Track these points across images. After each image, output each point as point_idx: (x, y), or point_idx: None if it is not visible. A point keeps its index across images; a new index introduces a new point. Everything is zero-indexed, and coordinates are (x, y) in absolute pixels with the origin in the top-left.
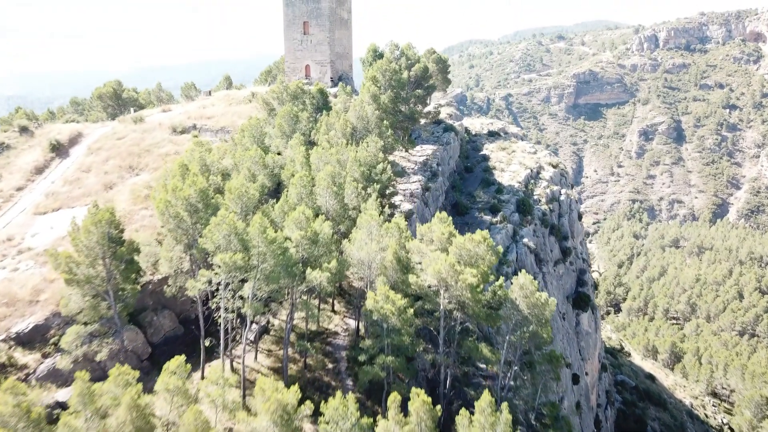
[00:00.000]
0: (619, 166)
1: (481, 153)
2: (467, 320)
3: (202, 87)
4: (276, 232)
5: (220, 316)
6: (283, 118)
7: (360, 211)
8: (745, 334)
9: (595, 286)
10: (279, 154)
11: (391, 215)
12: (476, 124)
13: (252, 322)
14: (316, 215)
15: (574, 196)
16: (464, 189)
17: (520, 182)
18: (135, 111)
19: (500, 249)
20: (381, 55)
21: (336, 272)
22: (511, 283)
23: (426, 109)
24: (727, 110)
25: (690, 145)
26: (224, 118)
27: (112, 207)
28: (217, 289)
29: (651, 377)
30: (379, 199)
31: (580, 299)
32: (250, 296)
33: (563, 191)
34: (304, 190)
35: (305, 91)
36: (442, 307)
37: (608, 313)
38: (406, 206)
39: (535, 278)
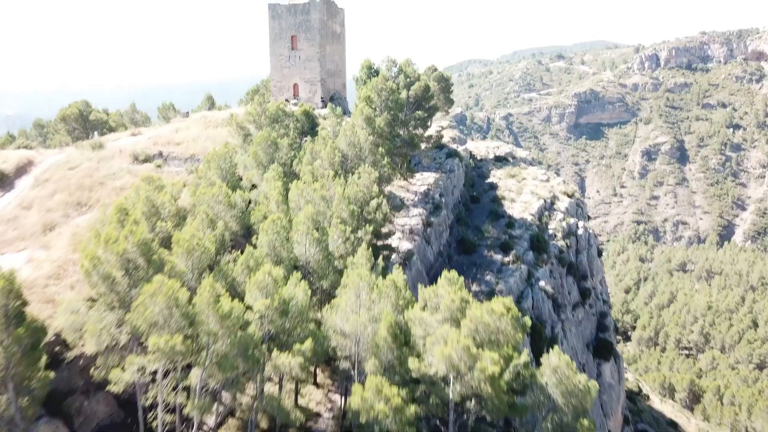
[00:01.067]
0: (622, 187)
1: (488, 181)
2: (484, 411)
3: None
4: (234, 300)
5: (154, 417)
6: (259, 145)
7: (349, 259)
8: (765, 368)
9: (616, 329)
10: (254, 187)
11: (385, 269)
12: (481, 147)
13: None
14: (294, 267)
15: (593, 229)
16: (471, 222)
17: (532, 214)
18: (103, 134)
19: (526, 322)
20: (376, 73)
21: (312, 354)
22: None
23: (427, 133)
24: (731, 130)
25: (693, 165)
26: (196, 143)
27: (10, 272)
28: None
29: (673, 424)
30: (373, 241)
31: (602, 347)
32: (198, 388)
33: (580, 224)
34: (277, 238)
35: (288, 114)
36: (452, 397)
37: (618, 342)
38: (405, 245)
39: (553, 328)
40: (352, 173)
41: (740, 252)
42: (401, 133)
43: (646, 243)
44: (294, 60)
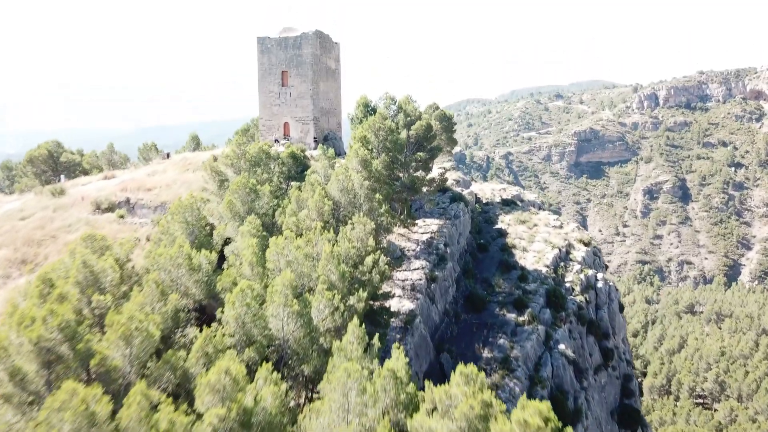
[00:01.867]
0: (625, 226)
1: (497, 227)
2: None
3: (179, 148)
4: (179, 410)
5: None
6: (235, 192)
7: (336, 343)
8: None
9: (641, 392)
10: (228, 242)
11: (386, 355)
12: (486, 190)
13: None
14: (269, 348)
15: (613, 281)
16: (479, 274)
17: (547, 266)
18: (75, 177)
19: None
20: (373, 111)
21: None
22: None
23: (429, 176)
24: (733, 168)
25: (696, 204)
26: (170, 189)
27: None
28: None
29: None
30: (368, 305)
31: (628, 416)
32: None
33: (599, 275)
34: (247, 312)
35: (272, 156)
36: None
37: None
38: (407, 305)
39: (576, 398)
40: (345, 223)
41: (749, 293)
42: (401, 176)
43: (651, 284)
44: (284, 97)
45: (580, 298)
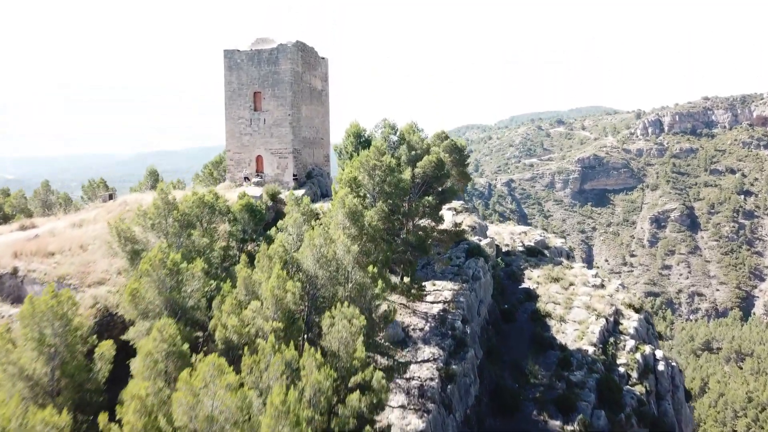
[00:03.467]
0: (632, 256)
1: (523, 286)
2: None
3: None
4: None
5: None
6: (147, 276)
7: None
8: None
9: None
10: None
11: None
12: (504, 234)
13: None
14: None
15: (674, 359)
16: (506, 354)
17: (594, 343)
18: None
19: None
20: (367, 143)
21: None
22: None
23: (441, 227)
24: (742, 196)
25: (705, 233)
26: (78, 256)
27: None
28: None
29: None
30: None
31: None
32: None
33: (658, 353)
34: None
35: (217, 209)
36: None
37: None
38: (413, 422)
39: None
40: (323, 311)
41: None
42: (404, 228)
43: (664, 318)
44: (257, 125)
45: (639, 389)
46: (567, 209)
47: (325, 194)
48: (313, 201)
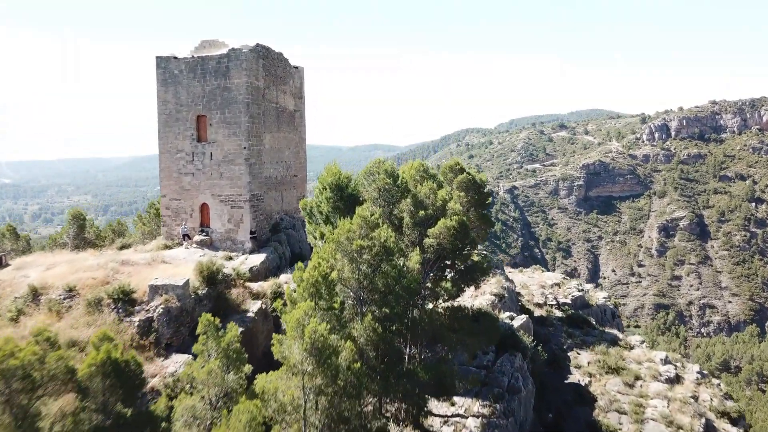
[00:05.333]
0: (640, 266)
1: (570, 380)
2: None
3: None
4: None
5: None
6: None
7: None
8: None
9: None
10: None
11: None
12: (531, 285)
13: None
14: None
15: None
16: None
17: None
18: None
19: None
20: (351, 198)
21: None
22: None
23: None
24: (753, 204)
25: (716, 242)
26: None
27: None
28: None
29: None
30: None
31: None
32: None
33: None
34: None
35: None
36: None
37: None
38: None
39: None
40: None
41: None
42: (406, 345)
43: (677, 335)
44: (201, 161)
45: None
46: (572, 217)
47: (299, 255)
48: (278, 269)
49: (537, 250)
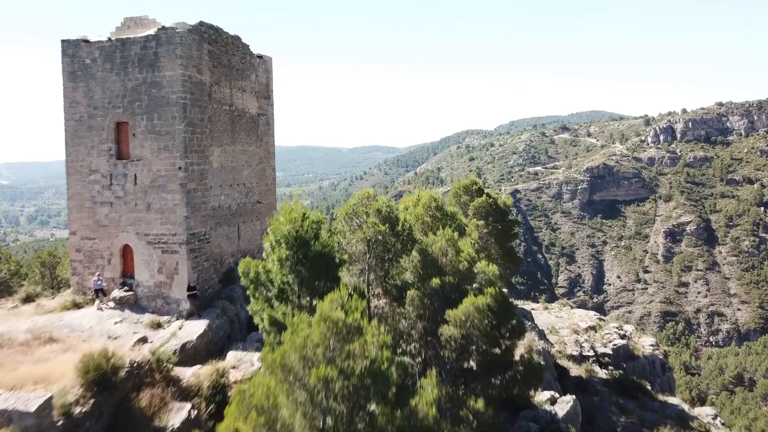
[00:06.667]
0: (646, 272)
1: None
2: None
3: None
4: None
5: None
6: None
7: None
8: None
9: None
10: None
11: None
12: (562, 329)
13: None
14: None
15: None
16: None
17: None
18: None
19: None
20: (322, 259)
21: None
22: None
23: None
24: (762, 208)
25: (724, 247)
26: None
27: None
28: None
29: None
30: None
31: None
32: None
33: None
34: None
35: None
36: None
37: None
38: None
39: None
40: None
41: None
42: None
43: (687, 346)
44: (122, 185)
45: None
46: (576, 221)
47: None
48: (227, 341)
49: (540, 256)
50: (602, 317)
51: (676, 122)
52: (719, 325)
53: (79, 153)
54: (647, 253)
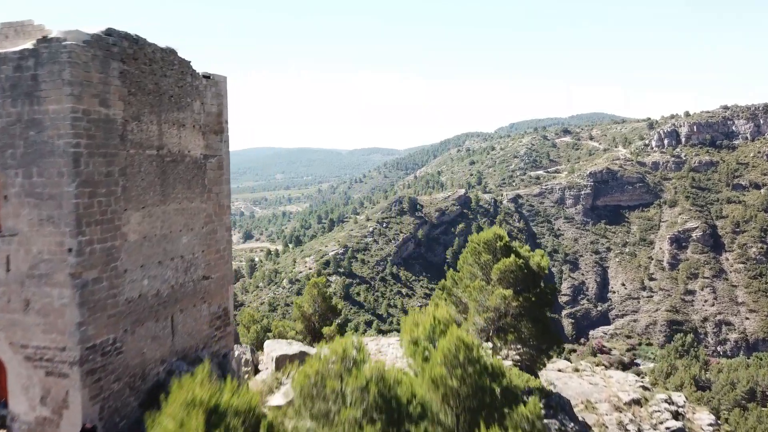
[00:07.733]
0: (651, 279)
1: None
2: None
3: None
4: None
5: None
6: None
7: None
8: None
9: None
10: None
11: None
12: (598, 398)
13: None
14: None
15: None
16: None
17: None
18: None
19: None
20: None
21: None
22: None
23: None
24: None
25: (731, 254)
26: None
27: None
28: None
29: None
30: None
31: None
32: None
33: None
34: None
35: None
36: None
37: None
38: None
39: None
40: None
41: None
42: None
43: (697, 358)
44: None
45: None
46: (579, 227)
47: None
48: None
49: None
50: (644, 383)
51: (680, 126)
52: (727, 334)
53: None
54: (652, 259)
